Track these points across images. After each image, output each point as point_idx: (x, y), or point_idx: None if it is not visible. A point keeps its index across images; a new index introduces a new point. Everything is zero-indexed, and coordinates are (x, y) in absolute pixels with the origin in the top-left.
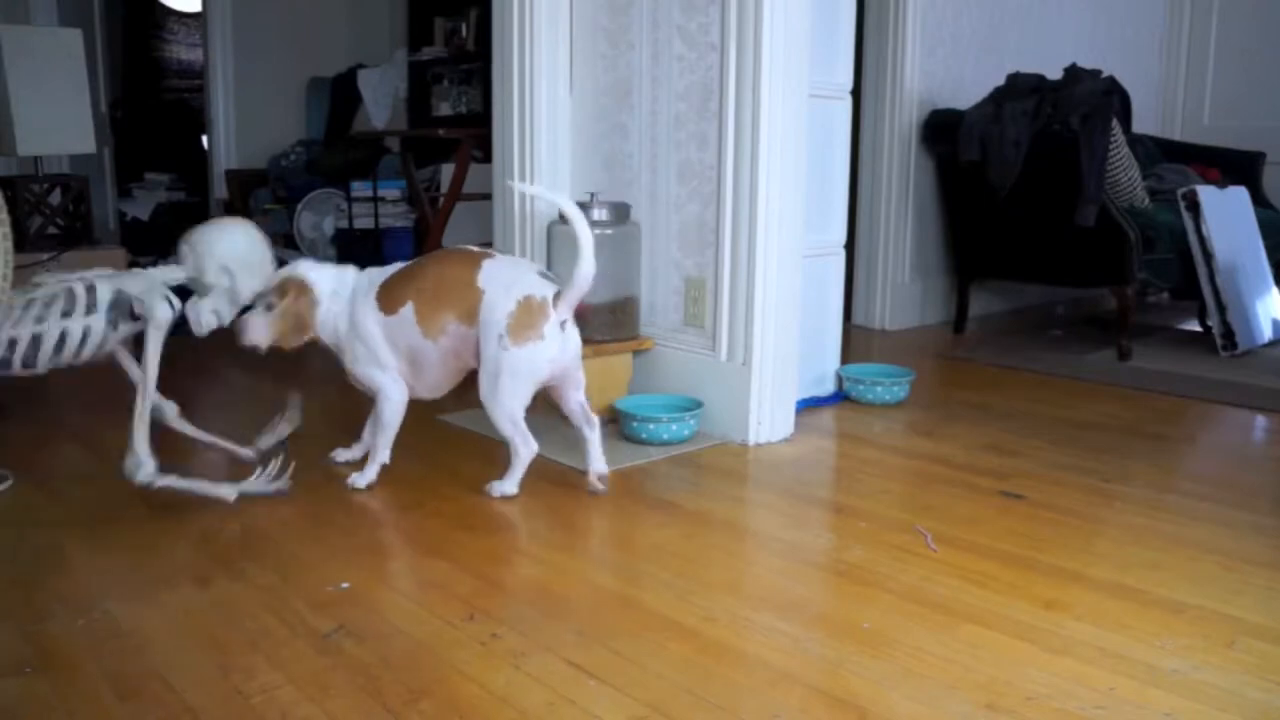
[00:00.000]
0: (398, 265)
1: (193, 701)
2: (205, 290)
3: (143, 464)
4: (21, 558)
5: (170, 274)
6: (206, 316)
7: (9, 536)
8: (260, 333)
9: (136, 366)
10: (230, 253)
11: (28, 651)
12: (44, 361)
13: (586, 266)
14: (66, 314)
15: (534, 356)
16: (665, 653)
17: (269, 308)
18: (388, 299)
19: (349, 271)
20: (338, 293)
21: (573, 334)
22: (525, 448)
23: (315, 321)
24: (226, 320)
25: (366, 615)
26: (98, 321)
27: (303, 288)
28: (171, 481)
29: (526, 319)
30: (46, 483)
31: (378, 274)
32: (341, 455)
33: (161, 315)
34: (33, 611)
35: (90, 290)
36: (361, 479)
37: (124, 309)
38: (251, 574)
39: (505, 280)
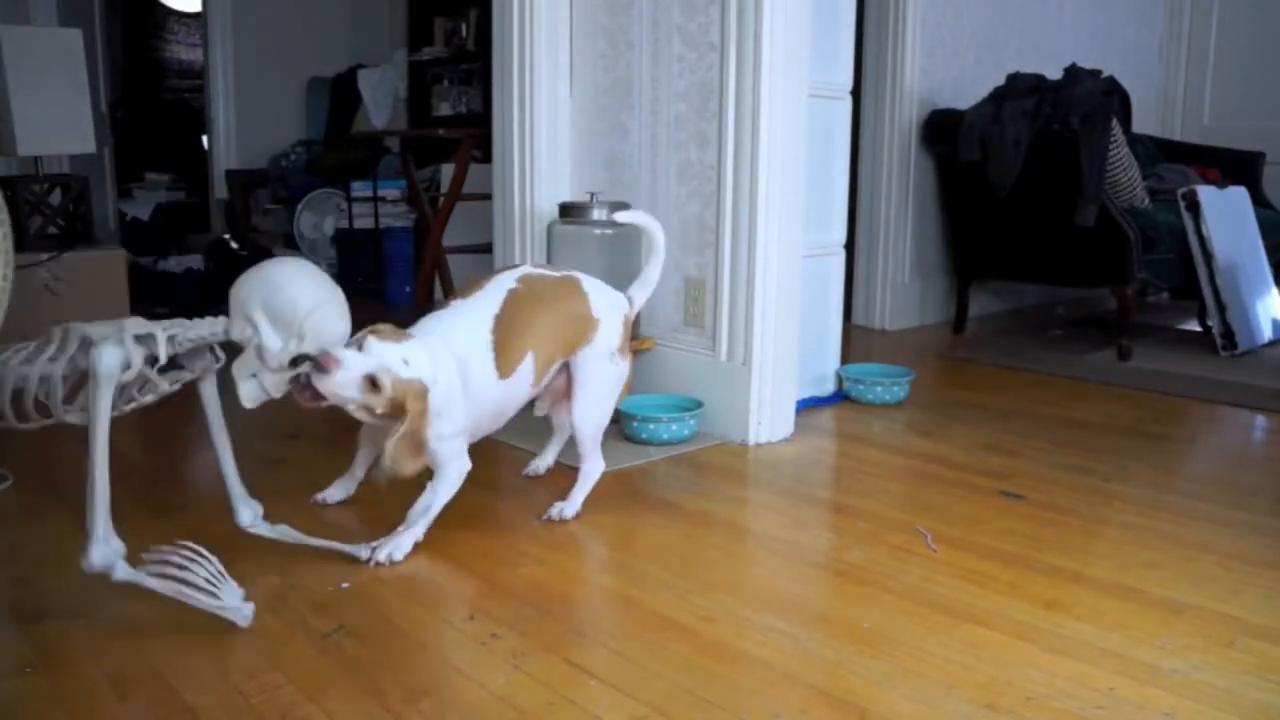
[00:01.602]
0: (472, 318)
1: (193, 701)
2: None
3: (99, 548)
4: (21, 558)
5: (202, 328)
6: (244, 384)
7: (9, 536)
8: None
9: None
10: (258, 297)
11: (28, 651)
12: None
13: (656, 274)
14: (29, 361)
15: (628, 369)
16: (665, 653)
17: (374, 385)
18: (504, 361)
19: (427, 345)
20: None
21: None
22: (600, 464)
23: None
24: (272, 389)
25: (366, 615)
26: (56, 367)
27: (421, 397)
28: (143, 579)
29: (627, 335)
30: (46, 483)
31: (469, 336)
32: (334, 496)
33: (105, 362)
34: (33, 611)
35: (64, 340)
36: (399, 552)
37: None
38: (251, 574)
39: (609, 303)
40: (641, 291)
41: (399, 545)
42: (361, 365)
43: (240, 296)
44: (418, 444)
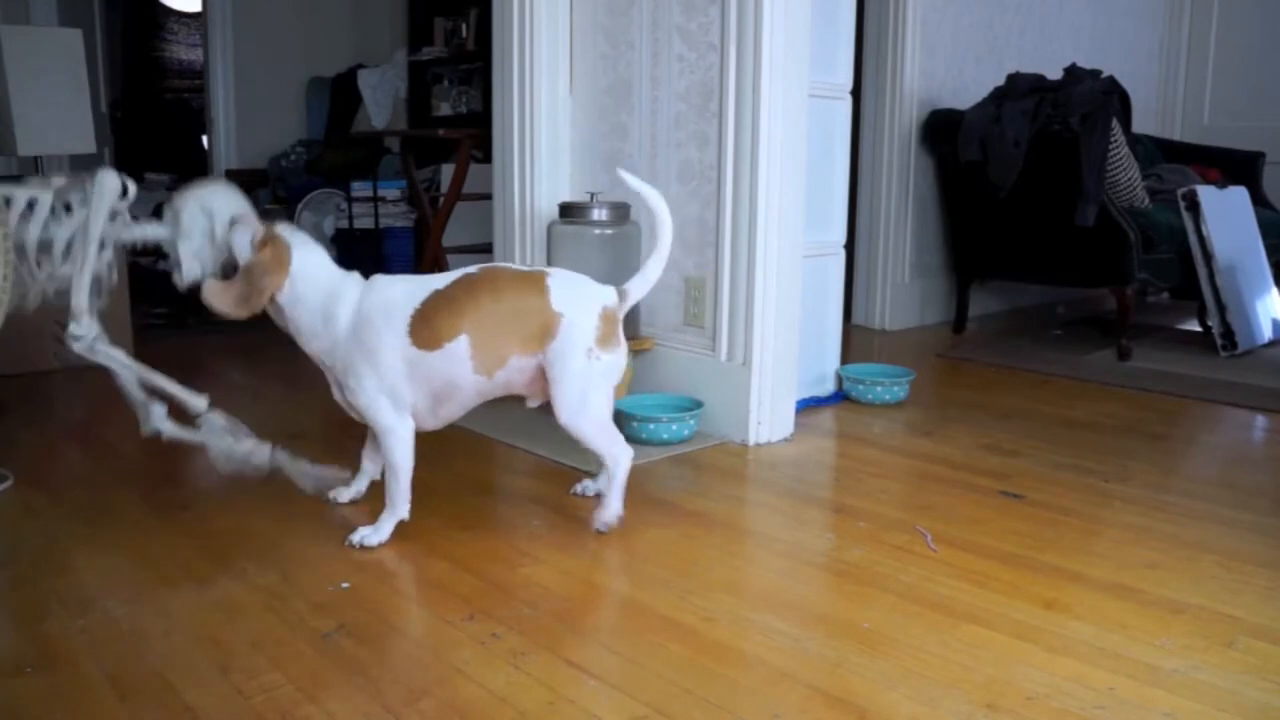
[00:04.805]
0: (416, 284)
1: (193, 701)
2: (184, 236)
3: (82, 333)
4: (21, 558)
5: (150, 229)
6: (187, 261)
7: (9, 536)
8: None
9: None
10: (210, 197)
11: (28, 651)
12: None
13: (659, 267)
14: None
15: (618, 362)
16: (665, 653)
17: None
18: (427, 332)
19: (350, 276)
20: (319, 280)
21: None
22: (624, 454)
23: (274, 288)
24: (209, 268)
25: (366, 615)
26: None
27: (278, 245)
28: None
29: (609, 329)
30: (46, 483)
31: (400, 295)
32: (344, 495)
33: (108, 180)
34: (33, 611)
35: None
36: (374, 536)
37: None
38: (251, 574)
39: (577, 297)
40: (640, 284)
41: (377, 529)
42: (258, 226)
43: (193, 194)
44: (250, 284)
